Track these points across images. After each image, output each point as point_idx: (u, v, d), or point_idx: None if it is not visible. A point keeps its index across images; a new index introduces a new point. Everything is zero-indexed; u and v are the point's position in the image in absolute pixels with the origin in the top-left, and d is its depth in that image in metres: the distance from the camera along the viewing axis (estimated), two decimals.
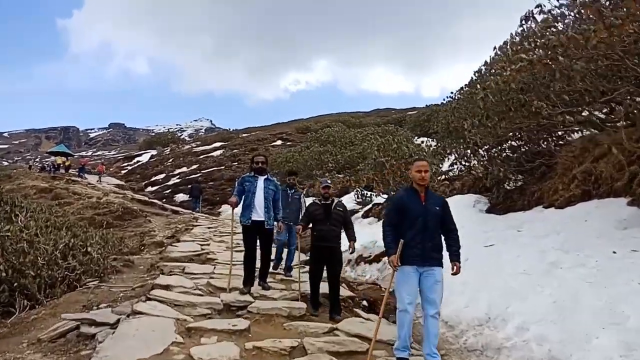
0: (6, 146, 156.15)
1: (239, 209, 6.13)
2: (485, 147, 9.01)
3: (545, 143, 8.12)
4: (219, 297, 5.25)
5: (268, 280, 6.11)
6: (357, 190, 15.03)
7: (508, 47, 8.15)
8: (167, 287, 5.34)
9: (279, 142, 33.10)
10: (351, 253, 5.98)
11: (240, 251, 6.19)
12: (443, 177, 9.41)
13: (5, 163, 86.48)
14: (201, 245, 9.20)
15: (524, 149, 8.39)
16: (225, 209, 22.06)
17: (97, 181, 29.08)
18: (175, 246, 8.73)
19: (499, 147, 8.76)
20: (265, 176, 6.00)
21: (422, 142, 15.29)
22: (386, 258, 4.78)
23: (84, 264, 6.83)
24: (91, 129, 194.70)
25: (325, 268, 5.40)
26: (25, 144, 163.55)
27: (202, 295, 5.31)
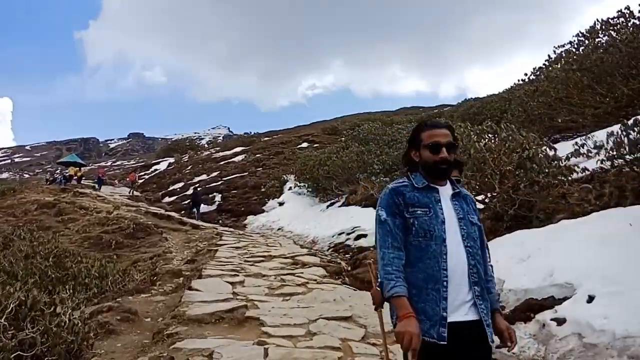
0: (28, 159, 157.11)
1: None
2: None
3: None
4: None
5: None
6: None
7: None
8: None
9: (304, 145, 30.45)
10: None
11: None
12: (579, 173, 6.49)
13: (27, 175, 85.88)
14: (232, 283, 6.52)
15: None
16: (252, 220, 19.48)
17: (130, 193, 27.15)
18: (196, 290, 6.04)
19: None
20: (456, 189, 2.23)
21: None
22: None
23: (50, 334, 4.24)
24: (111, 140, 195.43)
25: None
26: (47, 156, 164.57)
27: None
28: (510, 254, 5.76)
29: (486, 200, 7.20)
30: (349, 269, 8.95)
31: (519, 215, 6.69)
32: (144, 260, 11.27)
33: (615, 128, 6.32)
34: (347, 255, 10.51)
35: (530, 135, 6.80)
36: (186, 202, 23.18)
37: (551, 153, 6.62)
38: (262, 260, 9.05)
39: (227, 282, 6.64)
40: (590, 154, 6.86)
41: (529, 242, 5.81)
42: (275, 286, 6.37)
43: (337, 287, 6.54)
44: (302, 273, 7.59)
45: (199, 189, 23.59)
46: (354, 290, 6.52)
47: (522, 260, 5.59)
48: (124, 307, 6.13)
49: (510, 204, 6.61)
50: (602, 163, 6.24)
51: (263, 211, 19.85)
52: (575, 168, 6.62)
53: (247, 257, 9.50)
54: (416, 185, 2.13)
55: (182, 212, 22.15)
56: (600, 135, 7.26)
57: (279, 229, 16.84)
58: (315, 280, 7.17)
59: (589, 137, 7.51)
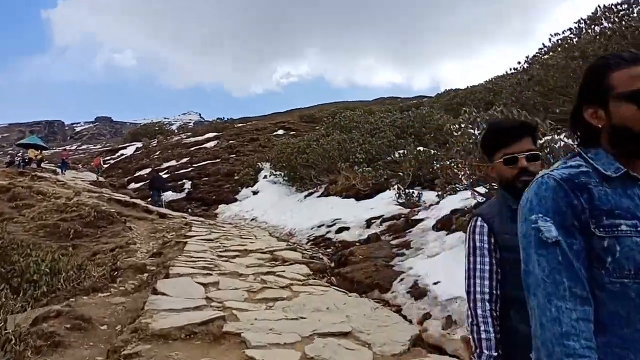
0: None
1: None
2: None
3: None
4: None
5: None
6: (398, 188, 11.53)
7: None
8: None
9: (281, 132, 29.40)
10: None
11: None
12: None
13: None
14: (204, 284, 5.60)
15: None
16: (223, 209, 18.47)
17: (96, 178, 25.69)
18: (162, 294, 5.10)
19: None
20: None
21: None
22: None
23: None
24: (77, 123, 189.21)
25: None
26: (8, 139, 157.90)
27: None
28: None
29: (492, 193, 6.48)
30: (333, 265, 8.14)
31: None
32: (104, 252, 10.19)
33: None
34: (328, 250, 9.71)
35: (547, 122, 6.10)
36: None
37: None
38: (238, 256, 8.15)
39: (199, 282, 5.72)
40: None
41: None
42: (256, 289, 5.50)
43: (327, 290, 5.71)
44: (284, 271, 6.75)
45: (156, 172, 22.38)
46: (346, 294, 5.71)
47: None
48: (75, 312, 5.17)
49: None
50: None
51: (236, 200, 18.87)
52: None
53: (220, 251, 8.58)
54: (606, 173, 1.13)
55: (149, 199, 20.97)
56: None
57: (252, 219, 15.91)
58: (300, 280, 6.34)
59: None
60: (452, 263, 5.97)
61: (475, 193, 6.93)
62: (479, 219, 1.74)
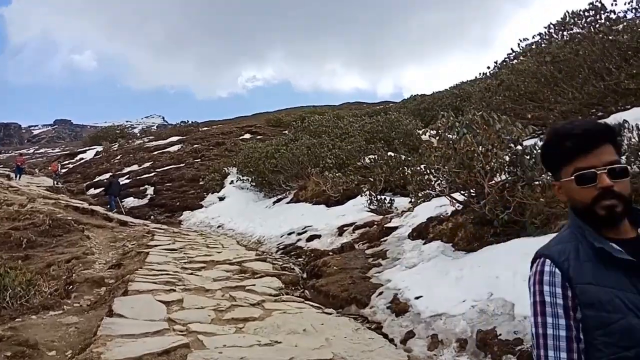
0: None
1: None
2: None
3: None
4: None
5: None
6: (370, 194, 11.26)
7: None
8: None
9: (247, 136, 28.75)
10: None
11: None
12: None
13: None
14: (167, 303, 5.10)
15: None
16: (188, 216, 17.79)
17: (54, 184, 24.74)
18: (119, 316, 4.56)
19: None
20: None
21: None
22: None
23: None
24: (35, 126, 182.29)
25: None
26: None
27: None
28: (514, 268, 4.79)
29: (470, 200, 6.22)
30: (306, 276, 7.75)
31: (510, 221, 5.76)
32: (59, 263, 9.46)
33: None
34: (300, 259, 9.30)
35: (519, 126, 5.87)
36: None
37: None
38: (204, 267, 7.66)
39: (161, 301, 5.22)
40: None
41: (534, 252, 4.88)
42: (224, 307, 5.04)
43: (302, 307, 5.30)
44: (254, 285, 6.30)
45: (113, 176, 21.48)
46: (323, 310, 5.33)
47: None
48: (20, 336, 4.62)
49: (503, 207, 5.67)
50: None
51: (201, 206, 18.21)
52: None
53: (184, 263, 8.06)
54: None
55: (109, 206, 20.06)
56: None
57: (219, 227, 15.34)
58: (272, 295, 5.91)
59: None
60: (433, 275, 5.67)
61: (453, 200, 6.66)
62: (547, 261, 1.27)
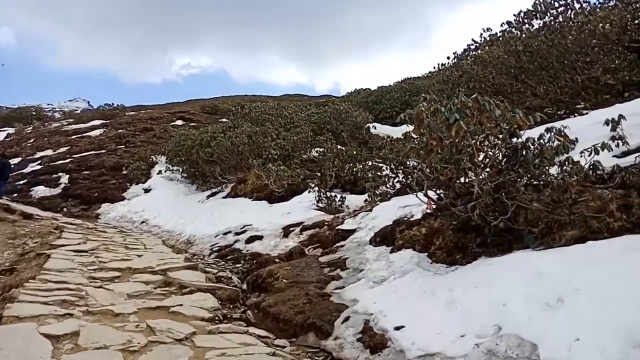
0: None
1: None
2: None
3: None
4: None
5: None
6: (319, 191, 10.04)
7: None
8: None
9: (179, 122, 26.55)
10: None
11: None
12: (594, 172, 4.49)
13: None
14: (56, 337, 3.57)
15: None
16: (107, 209, 15.74)
17: None
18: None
19: None
20: None
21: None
22: None
23: None
24: None
25: None
26: None
27: None
28: (524, 292, 3.71)
29: (453, 202, 5.11)
30: (247, 289, 6.37)
31: (503, 229, 4.70)
32: None
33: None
34: (238, 265, 7.90)
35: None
36: (20, 182, 18.48)
37: (553, 142, 4.72)
38: (117, 278, 6.08)
39: (47, 334, 3.68)
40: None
41: (547, 272, 3.81)
42: (137, 346, 3.58)
43: (247, 343, 3.94)
44: (182, 306, 4.85)
45: (2, 156, 18.02)
46: (274, 346, 4.00)
47: (549, 305, 3.57)
48: None
49: (497, 212, 4.59)
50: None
51: (123, 198, 16.22)
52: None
53: (93, 270, 6.43)
54: None
55: (15, 194, 17.53)
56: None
57: (142, 223, 13.54)
58: (205, 321, 4.51)
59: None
60: (414, 296, 4.50)
61: (431, 201, 5.53)
62: None
